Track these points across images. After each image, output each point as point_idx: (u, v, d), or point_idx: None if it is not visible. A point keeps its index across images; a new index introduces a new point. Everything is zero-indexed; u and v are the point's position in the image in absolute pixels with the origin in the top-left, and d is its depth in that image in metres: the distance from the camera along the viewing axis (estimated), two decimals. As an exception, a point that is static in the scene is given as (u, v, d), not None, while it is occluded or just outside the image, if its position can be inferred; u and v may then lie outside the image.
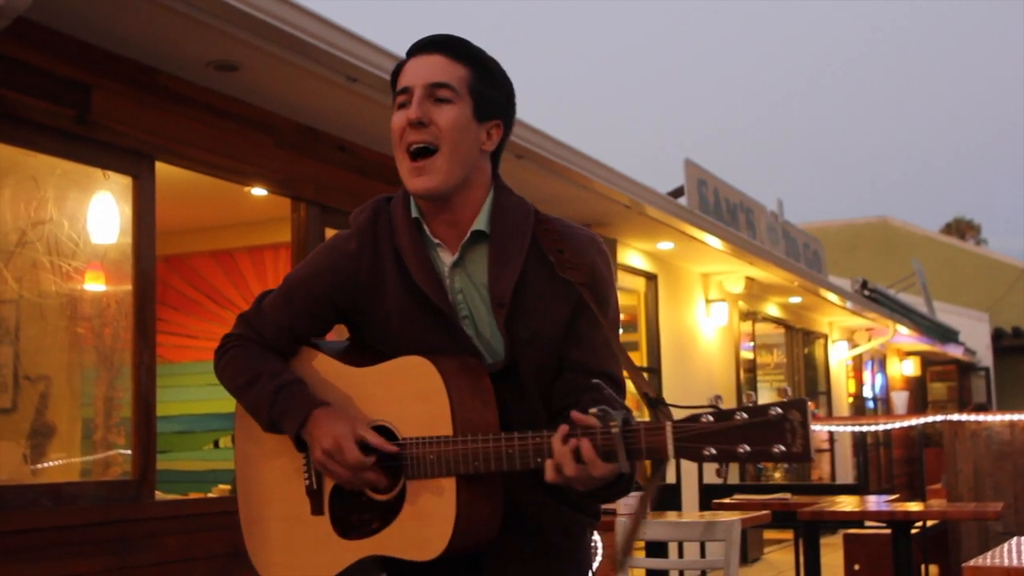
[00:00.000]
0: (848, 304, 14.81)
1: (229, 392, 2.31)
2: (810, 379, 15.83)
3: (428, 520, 2.07)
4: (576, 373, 2.18)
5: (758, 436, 1.79)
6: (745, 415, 1.81)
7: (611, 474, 1.92)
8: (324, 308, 2.26)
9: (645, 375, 2.05)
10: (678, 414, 1.91)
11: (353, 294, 2.23)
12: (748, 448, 1.80)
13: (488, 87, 2.21)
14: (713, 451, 1.82)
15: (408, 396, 2.12)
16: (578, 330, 2.19)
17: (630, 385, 2.15)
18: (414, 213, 2.22)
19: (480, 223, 2.20)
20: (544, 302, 2.17)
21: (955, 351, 21.87)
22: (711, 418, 1.83)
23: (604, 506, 5.91)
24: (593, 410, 1.92)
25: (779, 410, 1.79)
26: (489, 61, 2.24)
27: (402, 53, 2.32)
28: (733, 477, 11.54)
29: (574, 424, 1.94)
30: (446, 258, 2.20)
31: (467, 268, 2.20)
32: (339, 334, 2.39)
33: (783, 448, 1.78)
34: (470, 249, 2.20)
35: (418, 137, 2.15)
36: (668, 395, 10.64)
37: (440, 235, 2.21)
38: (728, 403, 12.38)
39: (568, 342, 2.18)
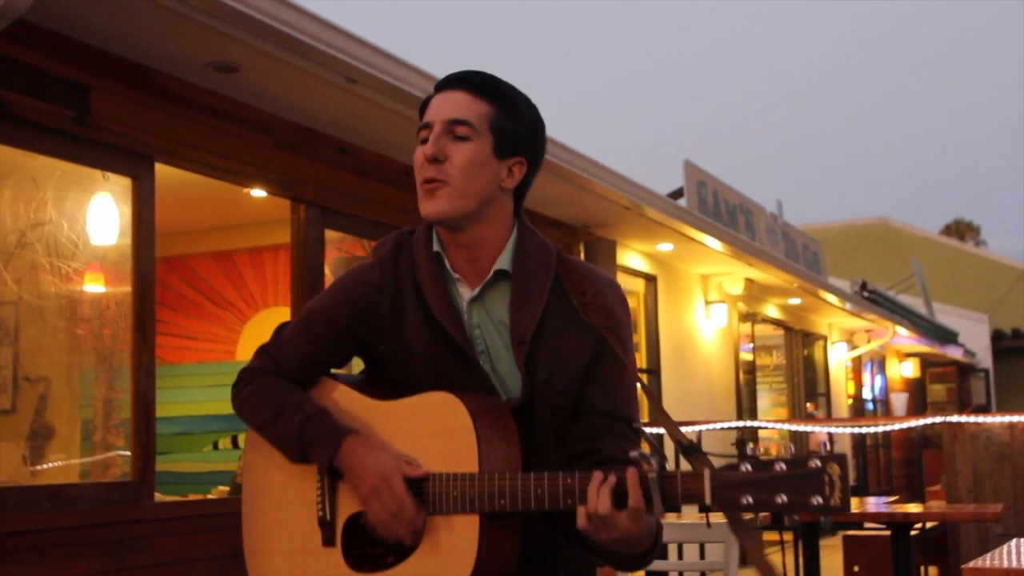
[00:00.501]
0: (847, 305, 14.81)
1: (251, 427, 2.30)
2: (809, 380, 15.83)
3: (448, 557, 2.07)
4: (597, 416, 2.18)
5: (797, 487, 1.82)
6: (784, 466, 1.83)
7: (643, 528, 1.93)
8: (344, 338, 2.26)
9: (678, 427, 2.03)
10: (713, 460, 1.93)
11: (374, 325, 2.23)
12: (786, 499, 1.82)
13: (512, 124, 2.22)
14: (751, 500, 1.83)
15: (433, 432, 2.11)
16: (600, 373, 2.19)
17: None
18: (435, 247, 2.23)
19: (503, 262, 2.21)
20: (564, 343, 2.18)
21: (954, 352, 21.87)
22: (749, 467, 1.85)
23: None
24: (633, 454, 1.93)
25: (818, 463, 1.81)
26: (516, 97, 2.24)
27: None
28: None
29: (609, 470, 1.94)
30: (465, 293, 2.21)
31: (486, 304, 2.21)
32: (349, 369, 2.40)
33: (820, 501, 1.80)
34: (491, 287, 2.21)
35: (431, 173, 2.16)
36: (667, 397, 10.67)
37: (460, 270, 2.22)
38: (727, 408, 12.37)
39: (589, 384, 2.19)
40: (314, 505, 2.22)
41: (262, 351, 2.33)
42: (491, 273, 2.20)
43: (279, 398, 2.24)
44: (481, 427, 2.07)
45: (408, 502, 2.08)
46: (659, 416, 2.06)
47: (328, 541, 2.20)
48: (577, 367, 2.18)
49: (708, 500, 1.86)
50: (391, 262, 2.24)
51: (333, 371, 2.33)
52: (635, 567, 2.16)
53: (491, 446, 2.08)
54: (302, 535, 2.23)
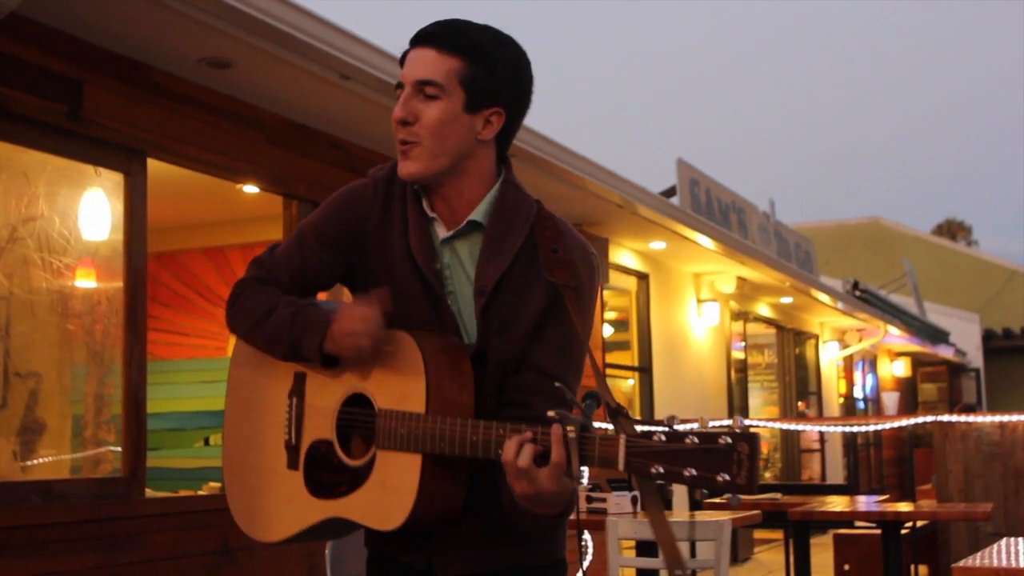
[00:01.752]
0: (839, 304, 14.83)
1: (243, 333, 2.32)
2: (801, 379, 15.85)
3: (391, 491, 2.11)
4: (532, 372, 2.20)
5: (706, 462, 1.80)
6: (696, 439, 1.81)
7: (560, 487, 1.95)
8: (334, 254, 2.29)
9: (609, 386, 2.07)
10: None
11: (360, 242, 2.26)
12: (694, 472, 1.81)
13: (484, 75, 2.20)
14: (660, 469, 1.83)
15: (387, 369, 2.16)
16: (547, 331, 2.21)
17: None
18: (416, 185, 2.26)
19: (478, 214, 2.23)
20: (522, 299, 2.20)
21: (946, 352, 21.92)
22: (663, 437, 1.84)
23: (595, 506, 5.89)
24: (551, 412, 1.95)
25: (728, 440, 1.80)
26: (489, 46, 2.21)
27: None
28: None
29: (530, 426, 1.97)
30: (440, 231, 2.25)
31: (456, 248, 2.24)
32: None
33: (727, 478, 1.78)
34: (464, 234, 2.24)
35: (402, 135, 2.21)
36: (659, 395, 10.69)
37: (437, 210, 2.25)
38: (719, 406, 12.37)
39: (536, 341, 2.21)
40: (283, 428, 2.28)
41: (255, 262, 2.35)
42: (464, 223, 2.23)
43: (272, 299, 2.27)
44: (432, 369, 2.10)
45: (372, 312, 2.11)
46: (595, 375, 2.08)
47: (293, 464, 2.26)
48: (529, 323, 2.20)
49: (620, 466, 1.86)
50: (384, 187, 2.28)
51: (314, 300, 2.34)
52: (542, 528, 2.16)
53: (441, 388, 2.11)
54: (271, 456, 2.30)
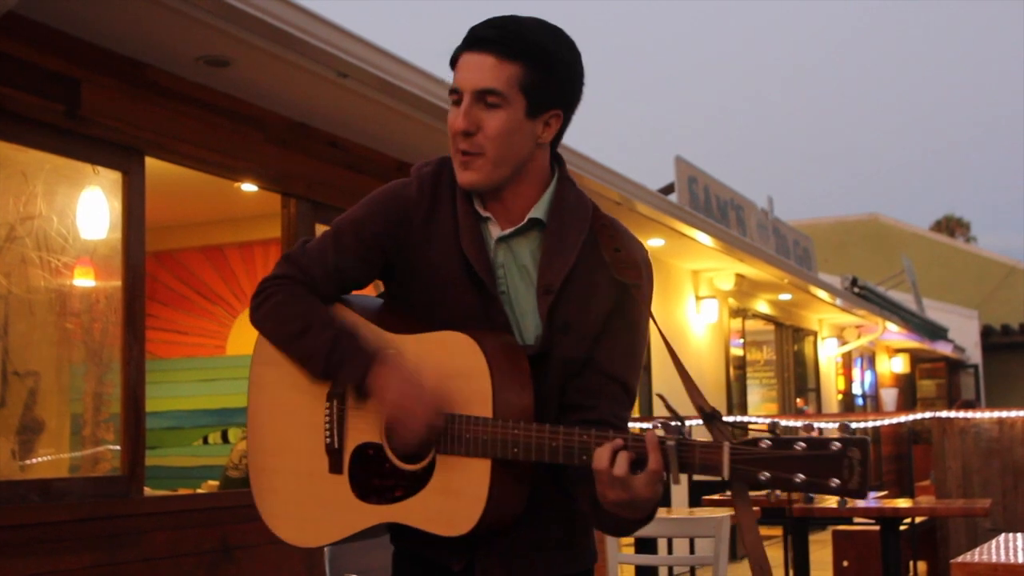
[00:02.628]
0: (838, 301, 14.84)
1: (273, 338, 2.24)
2: (799, 376, 15.86)
3: (457, 497, 2.06)
4: (598, 374, 2.18)
5: (816, 467, 1.82)
6: (805, 445, 1.83)
7: (654, 493, 1.94)
8: (374, 254, 2.22)
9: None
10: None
11: (403, 239, 2.20)
12: (803, 477, 1.82)
13: (544, 79, 2.15)
14: (768, 475, 1.84)
15: (448, 372, 2.09)
16: (612, 333, 2.19)
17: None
18: None
19: (538, 211, 2.19)
20: (588, 297, 2.17)
21: (944, 348, 21.93)
22: (769, 443, 1.86)
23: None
24: (656, 424, 1.94)
25: (839, 445, 1.81)
26: (547, 48, 2.16)
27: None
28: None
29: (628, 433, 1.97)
30: (494, 231, 2.20)
31: (512, 246, 2.20)
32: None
33: (839, 482, 1.80)
34: (522, 232, 2.20)
35: (465, 145, 2.14)
36: (657, 391, 10.66)
37: (491, 210, 2.21)
38: (717, 403, 12.36)
39: (600, 342, 2.19)
40: (322, 430, 2.20)
41: (286, 259, 2.26)
42: (525, 220, 2.19)
43: (308, 312, 2.19)
44: (496, 372, 2.06)
45: (434, 405, 2.06)
46: (683, 381, 2.07)
47: (335, 468, 2.18)
48: (595, 324, 2.17)
49: (726, 474, 1.86)
50: (431, 183, 2.22)
51: (347, 297, 2.29)
52: (627, 532, 2.15)
53: (505, 392, 2.06)
54: (308, 459, 2.21)
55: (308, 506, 2.22)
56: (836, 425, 1.74)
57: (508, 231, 2.19)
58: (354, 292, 2.32)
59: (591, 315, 2.17)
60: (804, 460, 1.82)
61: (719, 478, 1.88)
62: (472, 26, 2.19)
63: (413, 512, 2.10)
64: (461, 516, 2.05)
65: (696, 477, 1.96)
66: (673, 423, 1.96)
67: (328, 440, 2.19)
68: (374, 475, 2.15)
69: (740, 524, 1.93)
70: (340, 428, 2.19)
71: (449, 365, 2.09)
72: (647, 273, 2.23)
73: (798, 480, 1.82)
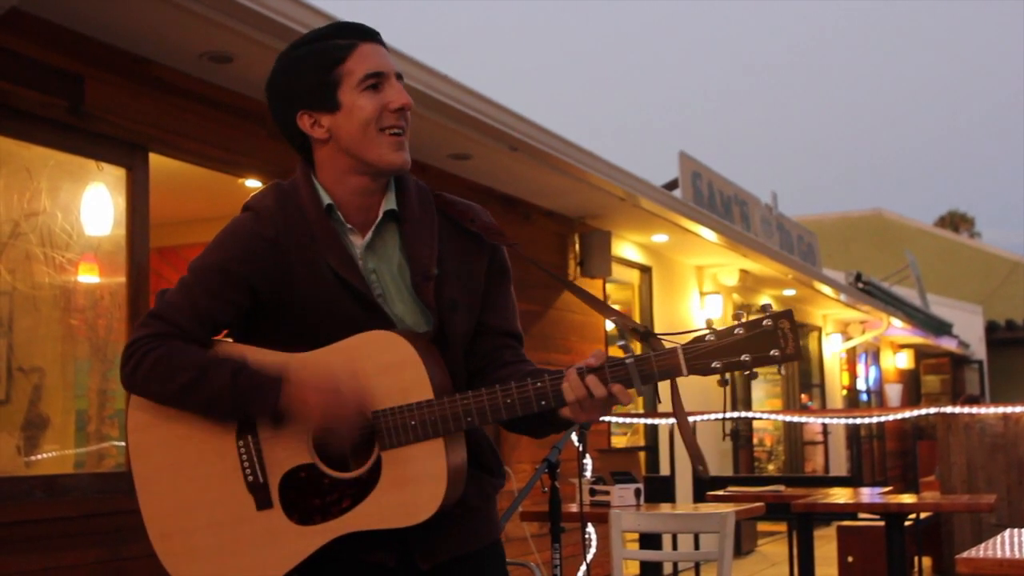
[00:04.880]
0: (842, 297, 14.82)
1: (162, 398, 2.17)
2: (804, 372, 15.84)
3: (414, 484, 2.10)
4: (495, 335, 2.32)
5: (757, 344, 2.04)
6: (742, 330, 2.04)
7: (628, 401, 2.12)
8: (240, 292, 2.21)
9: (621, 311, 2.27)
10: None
11: (269, 276, 2.20)
12: (749, 356, 2.04)
13: None
14: (720, 363, 2.04)
15: (378, 368, 2.13)
16: (492, 295, 2.33)
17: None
18: (326, 200, 2.25)
19: (389, 203, 2.27)
20: (461, 271, 2.28)
21: (949, 344, 21.90)
22: (712, 336, 2.05)
23: (598, 498, 5.89)
24: (621, 343, 2.16)
25: (771, 320, 2.04)
26: None
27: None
28: (725, 464, 11.57)
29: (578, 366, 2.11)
30: (357, 241, 2.25)
31: (377, 249, 2.26)
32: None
33: (778, 352, 2.03)
34: (381, 230, 2.27)
35: (402, 123, 2.24)
36: (663, 386, 10.65)
37: (352, 219, 2.26)
38: (721, 399, 12.37)
39: (486, 307, 2.32)
40: (239, 471, 2.17)
41: (152, 317, 2.22)
42: (380, 215, 2.25)
43: (195, 359, 2.16)
44: (424, 355, 2.13)
45: (359, 393, 2.13)
46: (608, 311, 2.29)
47: (263, 503, 2.16)
48: (476, 291, 2.30)
49: (684, 372, 2.07)
50: (280, 214, 2.23)
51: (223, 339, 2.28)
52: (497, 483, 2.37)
53: (435, 372, 2.14)
54: (230, 505, 2.17)
55: (242, 553, 2.16)
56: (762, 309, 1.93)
57: (369, 236, 2.24)
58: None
59: (469, 286, 2.29)
60: (746, 341, 2.04)
61: (679, 376, 2.08)
62: (342, 23, 2.29)
63: (367, 516, 2.11)
64: (422, 502, 2.09)
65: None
66: (620, 343, 2.17)
67: (250, 478, 2.16)
68: (312, 495, 2.14)
69: (677, 421, 2.14)
70: (260, 462, 2.16)
71: (378, 361, 2.13)
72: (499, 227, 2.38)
73: (746, 359, 2.04)
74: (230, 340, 2.30)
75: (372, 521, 2.11)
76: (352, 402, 2.10)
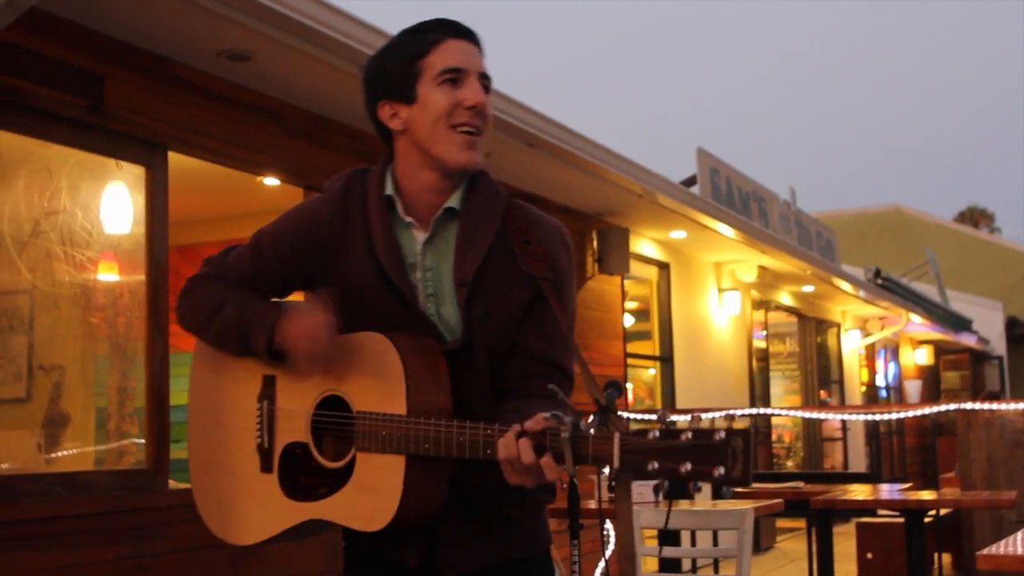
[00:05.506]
0: (861, 293, 14.78)
1: (195, 330, 2.33)
2: (823, 368, 15.80)
3: (375, 493, 2.11)
4: (528, 360, 2.23)
5: (701, 457, 1.83)
6: (691, 435, 1.84)
7: (555, 477, 1.99)
8: (291, 268, 2.29)
9: (597, 379, 2.07)
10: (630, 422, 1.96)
11: (319, 258, 2.26)
12: (690, 467, 1.83)
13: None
14: (656, 466, 1.85)
15: (364, 371, 2.16)
16: (534, 318, 2.24)
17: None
18: (388, 190, 2.25)
19: (453, 201, 2.24)
20: (504, 286, 2.22)
21: (968, 340, 21.82)
22: (656, 434, 1.87)
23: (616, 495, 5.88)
24: (546, 415, 1.96)
25: (723, 435, 1.83)
26: None
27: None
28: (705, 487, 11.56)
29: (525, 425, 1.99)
30: (419, 236, 2.24)
31: (438, 246, 2.24)
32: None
33: (723, 471, 1.82)
34: (443, 227, 2.24)
35: (477, 122, 2.21)
36: (680, 384, 10.67)
37: (415, 214, 2.24)
38: (740, 395, 12.35)
39: (523, 329, 2.23)
40: (253, 431, 2.27)
41: (208, 262, 2.36)
42: (440, 211, 2.23)
43: (222, 293, 2.28)
44: (411, 370, 2.11)
45: (326, 316, 2.15)
46: (582, 370, 2.12)
47: (266, 467, 2.26)
48: (514, 311, 2.22)
49: (616, 463, 1.89)
50: (341, 199, 2.27)
51: (274, 300, 2.35)
52: (537, 502, 2.28)
53: (420, 389, 2.11)
54: (242, 460, 2.30)
55: (241, 504, 2.30)
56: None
57: (429, 232, 2.23)
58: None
59: (510, 304, 2.22)
60: (690, 450, 1.84)
61: (610, 468, 1.91)
62: (441, 19, 2.27)
63: (336, 509, 2.16)
64: (378, 511, 2.10)
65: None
66: (568, 414, 1.97)
67: (259, 440, 2.27)
68: (301, 473, 2.22)
69: (617, 515, 1.97)
70: (270, 428, 2.26)
71: (366, 365, 2.15)
72: (566, 257, 2.28)
73: (684, 470, 1.84)
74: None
75: (337, 516, 2.16)
76: (323, 324, 2.15)
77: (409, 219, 2.24)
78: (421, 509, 2.13)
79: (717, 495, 8.77)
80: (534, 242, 2.23)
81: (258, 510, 2.26)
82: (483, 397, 2.20)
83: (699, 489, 1.86)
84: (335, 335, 2.15)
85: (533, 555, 2.30)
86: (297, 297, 2.39)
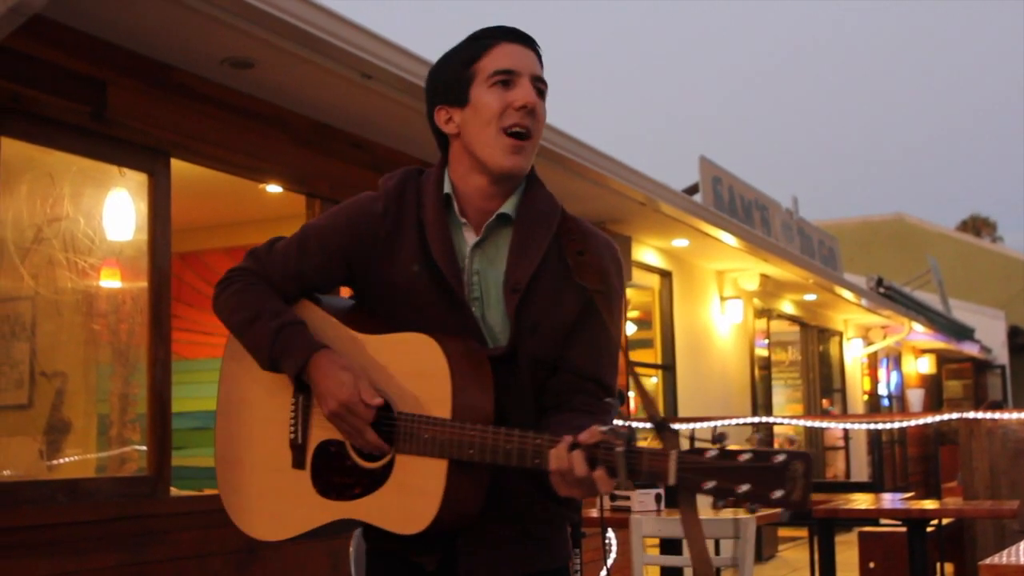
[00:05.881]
0: (863, 301, 14.77)
1: (228, 325, 2.29)
2: (825, 376, 15.79)
3: (414, 496, 2.09)
4: (573, 375, 2.21)
5: (760, 479, 1.81)
6: (750, 456, 1.82)
7: (609, 489, 1.96)
8: (335, 264, 2.26)
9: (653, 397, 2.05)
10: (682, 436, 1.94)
11: (368, 254, 2.22)
12: (748, 488, 1.81)
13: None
14: (713, 485, 1.83)
15: (409, 372, 2.12)
16: (583, 333, 2.22)
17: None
18: (446, 189, 2.24)
19: (508, 207, 2.22)
20: (556, 296, 2.19)
21: (971, 349, 21.81)
22: (715, 453, 1.85)
23: (619, 504, 5.89)
24: (602, 428, 1.94)
25: (783, 457, 1.81)
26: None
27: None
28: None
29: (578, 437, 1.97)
30: (469, 238, 2.22)
31: (487, 251, 2.22)
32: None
33: (782, 494, 1.79)
34: (494, 232, 2.22)
35: (527, 123, 2.18)
36: (682, 392, 10.67)
37: (468, 215, 2.23)
38: (742, 404, 12.33)
39: (571, 343, 2.21)
40: (287, 426, 2.24)
41: (252, 254, 2.32)
42: (493, 216, 2.21)
43: (259, 302, 2.24)
44: (457, 373, 2.08)
45: (368, 433, 2.11)
46: (636, 389, 2.07)
47: (298, 463, 2.22)
48: (563, 323, 2.20)
49: (671, 480, 1.86)
50: (396, 197, 2.24)
51: (318, 296, 2.33)
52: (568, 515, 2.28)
53: (465, 393, 2.09)
54: (273, 453, 2.25)
55: (271, 500, 2.25)
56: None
57: (481, 235, 2.21)
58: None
59: (559, 315, 2.20)
60: (749, 471, 1.81)
61: (665, 485, 1.88)
62: (500, 25, 2.26)
63: (371, 509, 2.13)
64: (416, 514, 2.08)
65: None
66: (622, 428, 1.95)
67: (292, 435, 2.23)
68: (335, 472, 2.18)
69: (687, 534, 1.93)
70: (305, 424, 2.22)
71: (410, 365, 2.12)
72: (616, 273, 2.27)
73: (742, 490, 1.81)
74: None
75: (373, 517, 2.13)
76: (356, 428, 2.11)
77: (464, 220, 2.22)
78: (459, 514, 2.11)
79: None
80: (588, 254, 2.22)
81: (287, 507, 2.22)
82: (524, 407, 2.18)
83: (754, 509, 1.83)
84: (362, 411, 2.11)
85: (552, 568, 2.28)
86: (345, 293, 2.37)
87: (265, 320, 2.21)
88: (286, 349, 2.17)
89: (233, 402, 2.33)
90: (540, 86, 2.21)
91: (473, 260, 2.21)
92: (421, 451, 2.08)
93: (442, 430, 2.06)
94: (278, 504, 2.24)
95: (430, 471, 2.07)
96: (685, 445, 1.90)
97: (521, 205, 2.23)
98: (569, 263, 2.20)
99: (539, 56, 2.26)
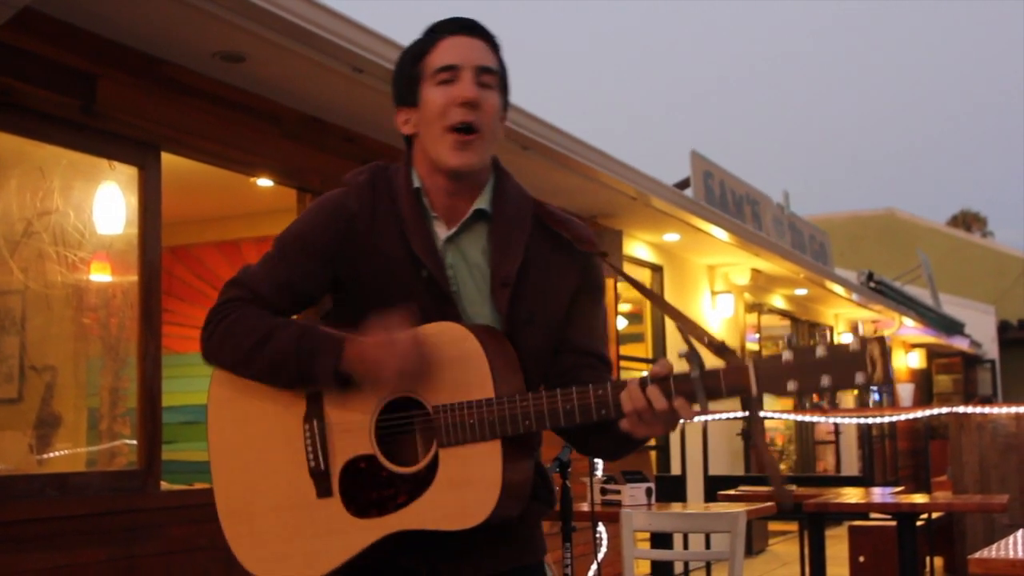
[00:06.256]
0: (854, 296, 14.80)
1: (233, 364, 2.16)
2: (815, 371, 15.78)
3: (469, 486, 2.02)
4: (575, 353, 2.21)
5: (840, 367, 1.85)
6: (823, 350, 1.86)
7: (691, 416, 1.98)
8: (320, 264, 2.18)
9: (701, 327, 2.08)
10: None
11: (350, 252, 2.17)
12: (829, 380, 1.85)
13: (506, 79, 2.26)
14: (796, 384, 1.88)
15: (442, 361, 2.05)
16: (578, 312, 2.22)
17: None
18: (416, 183, 2.20)
19: (482, 202, 2.20)
20: (545, 284, 2.19)
21: (961, 343, 21.85)
22: (790, 356, 1.89)
23: (609, 498, 5.90)
24: (682, 352, 1.97)
25: (859, 344, 1.85)
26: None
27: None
28: (736, 464, 11.54)
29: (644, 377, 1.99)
30: (441, 232, 2.19)
31: (461, 245, 2.19)
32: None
33: (863, 378, 1.83)
34: (468, 228, 2.20)
35: (471, 117, 2.14)
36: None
37: (438, 209, 2.20)
38: (732, 398, 12.41)
39: (568, 324, 2.21)
40: (303, 455, 2.13)
41: (231, 284, 2.21)
42: (469, 212, 2.19)
43: (265, 322, 2.14)
44: (491, 353, 2.04)
45: (411, 335, 2.02)
46: (684, 322, 2.08)
47: (324, 492, 2.11)
48: (558, 307, 2.20)
49: (754, 391, 1.91)
50: (368, 190, 2.20)
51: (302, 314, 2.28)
52: (542, 508, 2.25)
53: (502, 373, 2.05)
54: (292, 491, 2.13)
55: (300, 539, 2.12)
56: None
57: (455, 229, 2.18)
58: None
59: (554, 303, 2.20)
60: (827, 363, 1.85)
61: (748, 396, 1.93)
62: (444, 19, 2.22)
63: (421, 514, 2.05)
64: (476, 505, 2.01)
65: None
66: (690, 354, 1.97)
67: (312, 463, 2.12)
68: (371, 487, 2.09)
69: (755, 444, 1.97)
70: (324, 448, 2.12)
71: (442, 354, 2.05)
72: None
73: (825, 383, 1.86)
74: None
75: (426, 520, 2.05)
76: (405, 346, 2.01)
77: (435, 214, 2.19)
78: (517, 499, 2.07)
79: (712, 495, 8.74)
80: (575, 229, 2.23)
81: (321, 541, 2.10)
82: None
83: (833, 402, 1.88)
84: (420, 345, 2.03)
85: (529, 564, 2.27)
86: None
87: (280, 332, 2.11)
88: (315, 348, 2.07)
89: (231, 449, 2.20)
90: (485, 78, 2.16)
91: (446, 254, 2.18)
92: (469, 438, 2.02)
93: (490, 410, 2.02)
94: (310, 542, 2.12)
95: (483, 456, 2.02)
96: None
97: (496, 199, 2.21)
98: (566, 238, 2.21)
99: (491, 43, 2.21)
